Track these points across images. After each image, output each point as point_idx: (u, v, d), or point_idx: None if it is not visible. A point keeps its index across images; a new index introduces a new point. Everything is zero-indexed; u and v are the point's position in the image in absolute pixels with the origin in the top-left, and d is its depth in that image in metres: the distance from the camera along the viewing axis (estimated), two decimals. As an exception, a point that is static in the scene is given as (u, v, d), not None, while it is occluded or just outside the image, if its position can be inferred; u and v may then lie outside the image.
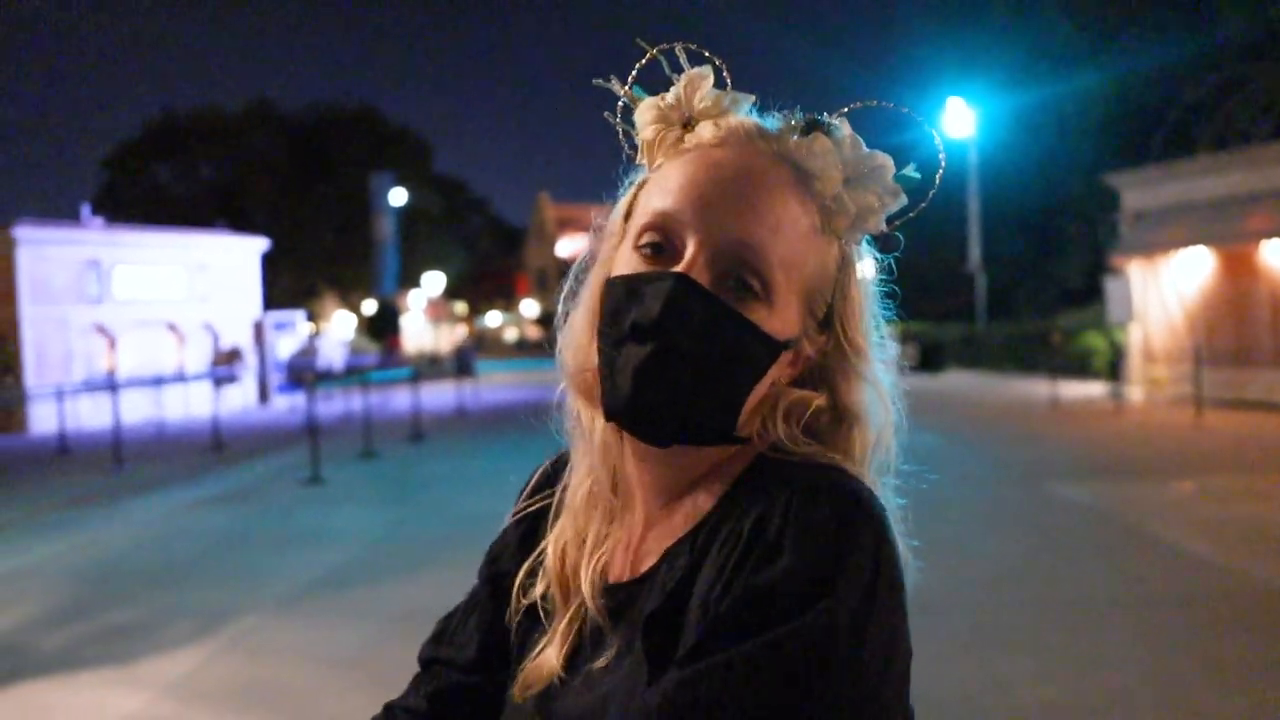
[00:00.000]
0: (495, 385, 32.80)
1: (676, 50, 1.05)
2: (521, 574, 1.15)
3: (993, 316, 32.37)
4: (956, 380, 27.96)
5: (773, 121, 1.03)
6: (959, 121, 31.37)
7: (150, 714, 5.27)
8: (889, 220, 1.03)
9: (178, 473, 15.03)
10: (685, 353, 0.93)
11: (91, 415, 23.28)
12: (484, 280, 73.76)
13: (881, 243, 1.07)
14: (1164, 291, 19.81)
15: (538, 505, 1.19)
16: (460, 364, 31.82)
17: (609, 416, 0.98)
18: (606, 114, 1.09)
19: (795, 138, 1.00)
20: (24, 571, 8.77)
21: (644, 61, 1.06)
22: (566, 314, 1.10)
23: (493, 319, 79.15)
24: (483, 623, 1.21)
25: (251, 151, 54.55)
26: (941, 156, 1.06)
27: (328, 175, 54.80)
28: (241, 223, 40.15)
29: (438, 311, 61.67)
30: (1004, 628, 6.05)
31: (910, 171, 1.04)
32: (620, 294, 0.97)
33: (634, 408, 0.94)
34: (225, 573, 8.49)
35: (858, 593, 0.84)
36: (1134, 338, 20.32)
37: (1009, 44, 30.76)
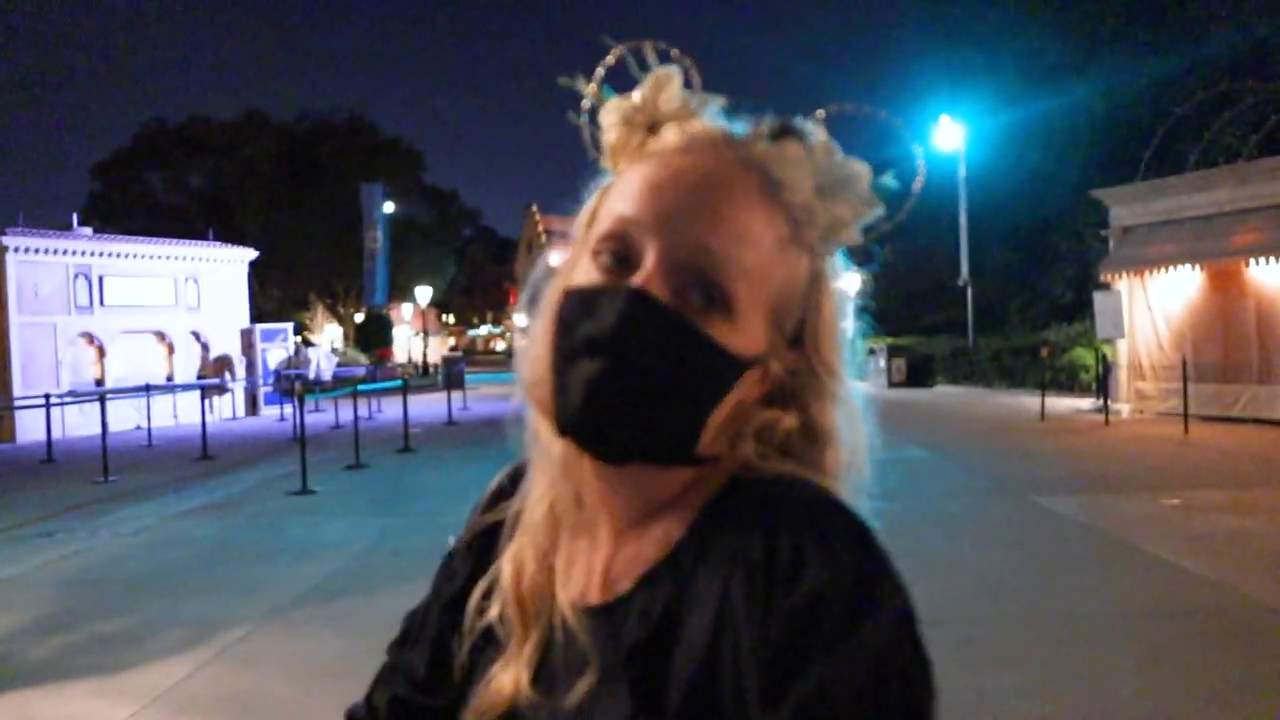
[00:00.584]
0: (485, 397, 32.75)
1: (645, 49, 0.99)
2: (477, 594, 1.09)
3: (981, 330, 32.45)
4: (945, 394, 28.03)
5: (742, 126, 0.97)
6: (949, 136, 31.51)
7: (137, 725, 5.25)
8: (865, 232, 0.98)
9: (166, 482, 14.97)
10: (639, 369, 0.88)
11: (79, 424, 23.18)
12: (474, 291, 73.75)
13: (858, 256, 1.01)
14: (1152, 307, 19.90)
15: (493, 519, 1.14)
16: (450, 375, 31.81)
17: (560, 431, 0.93)
18: (570, 114, 1.03)
19: (764, 143, 0.95)
20: (11, 581, 8.72)
21: (611, 60, 1.00)
22: (527, 324, 1.04)
23: (483, 330, 79.11)
24: (433, 641, 1.14)
25: (242, 161, 54.45)
26: (921, 165, 1.00)
27: (318, 185, 54.69)
28: (231, 232, 40.06)
29: (428, 322, 61.61)
30: (993, 641, 6.06)
31: (888, 180, 0.97)
32: (575, 305, 0.92)
33: (584, 423, 0.90)
34: (213, 583, 8.45)
35: (898, 596, 0.83)
36: (1122, 352, 20.39)
37: (998, 59, 30.93)
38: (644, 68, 0.99)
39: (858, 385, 1.01)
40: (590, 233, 0.98)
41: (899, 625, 0.81)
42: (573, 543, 1.03)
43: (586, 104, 1.02)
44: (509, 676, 1.00)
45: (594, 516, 1.01)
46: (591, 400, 0.88)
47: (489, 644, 1.05)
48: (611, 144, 1.00)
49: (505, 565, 1.05)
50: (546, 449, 1.02)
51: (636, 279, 0.89)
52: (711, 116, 0.98)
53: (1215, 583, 7.27)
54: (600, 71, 1.01)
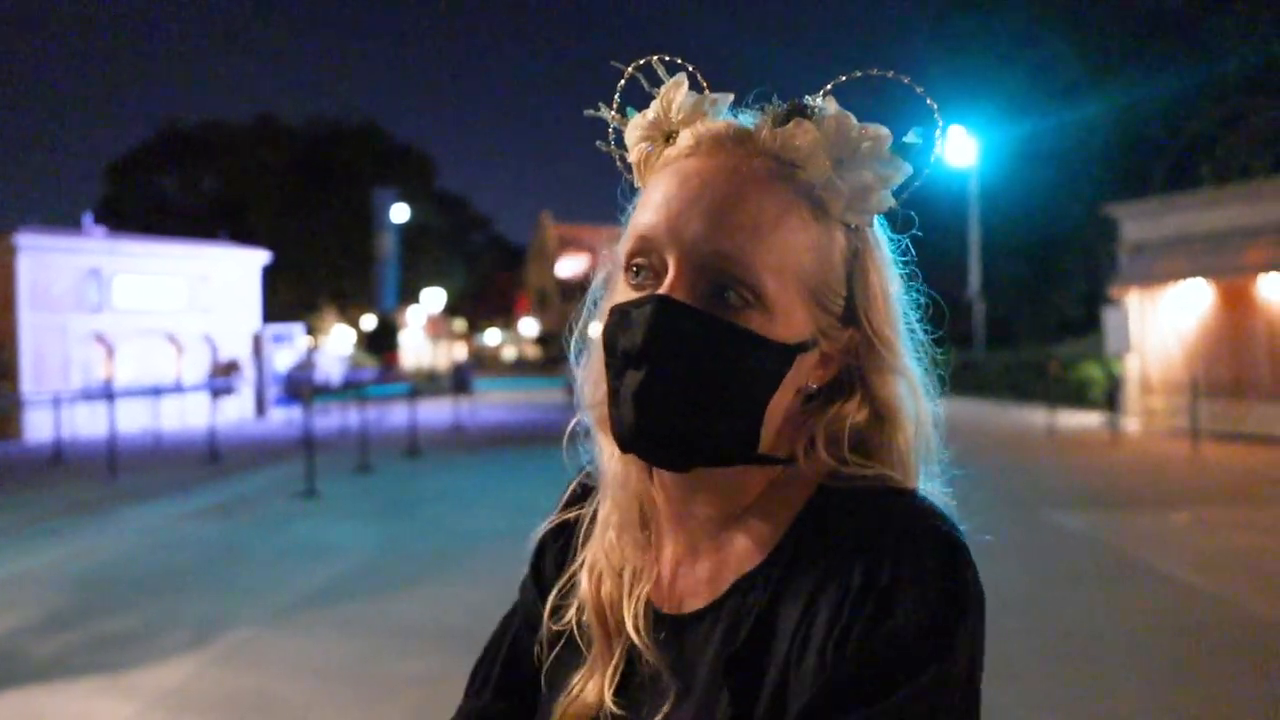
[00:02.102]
0: (493, 403, 32.78)
1: (654, 64, 1.00)
2: (552, 597, 1.10)
3: (991, 344, 32.41)
4: (953, 408, 27.83)
5: (749, 118, 0.98)
6: (960, 150, 31.51)
7: (141, 724, 5.25)
8: (895, 194, 0.96)
9: (173, 483, 14.99)
10: (680, 373, 0.89)
11: (88, 424, 23.24)
12: (484, 298, 73.80)
13: (894, 222, 1.01)
14: (1162, 323, 19.86)
15: (571, 516, 1.15)
16: (458, 381, 31.84)
17: (621, 447, 0.95)
18: (599, 143, 1.05)
19: (770, 129, 0.94)
20: (17, 579, 8.74)
21: (623, 82, 1.01)
22: (582, 345, 1.07)
23: (492, 337, 79.19)
24: (518, 648, 1.15)
25: (255, 165, 54.65)
26: (938, 118, 0.99)
27: (330, 190, 54.90)
28: (243, 236, 40.20)
29: (437, 328, 61.70)
30: (1001, 655, 6.01)
31: (912, 139, 0.97)
32: (613, 323, 0.94)
33: (639, 434, 0.91)
34: (219, 584, 8.46)
35: (970, 645, 0.88)
36: (1131, 368, 20.34)
37: (1010, 73, 30.93)
38: (657, 83, 1.00)
39: (915, 357, 1.02)
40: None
41: (945, 690, 0.86)
42: (641, 557, 1.03)
43: (611, 130, 1.04)
44: (593, 686, 1.01)
45: (669, 527, 1.02)
46: (640, 411, 0.90)
47: (570, 653, 1.06)
48: (636, 161, 1.02)
49: (582, 575, 1.06)
50: (606, 465, 1.05)
51: (662, 288, 0.91)
52: (722, 114, 0.99)
53: (1224, 600, 7.23)
54: (616, 98, 1.02)
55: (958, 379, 31.53)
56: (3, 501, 13.57)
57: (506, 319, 77.63)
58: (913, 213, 1.01)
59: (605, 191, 1.07)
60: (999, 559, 8.80)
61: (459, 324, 73.60)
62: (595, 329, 1.05)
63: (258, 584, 8.36)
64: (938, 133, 0.99)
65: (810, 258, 0.93)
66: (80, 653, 6.48)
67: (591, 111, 1.04)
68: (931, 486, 1.00)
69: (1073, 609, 7.10)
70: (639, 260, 0.94)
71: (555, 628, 1.08)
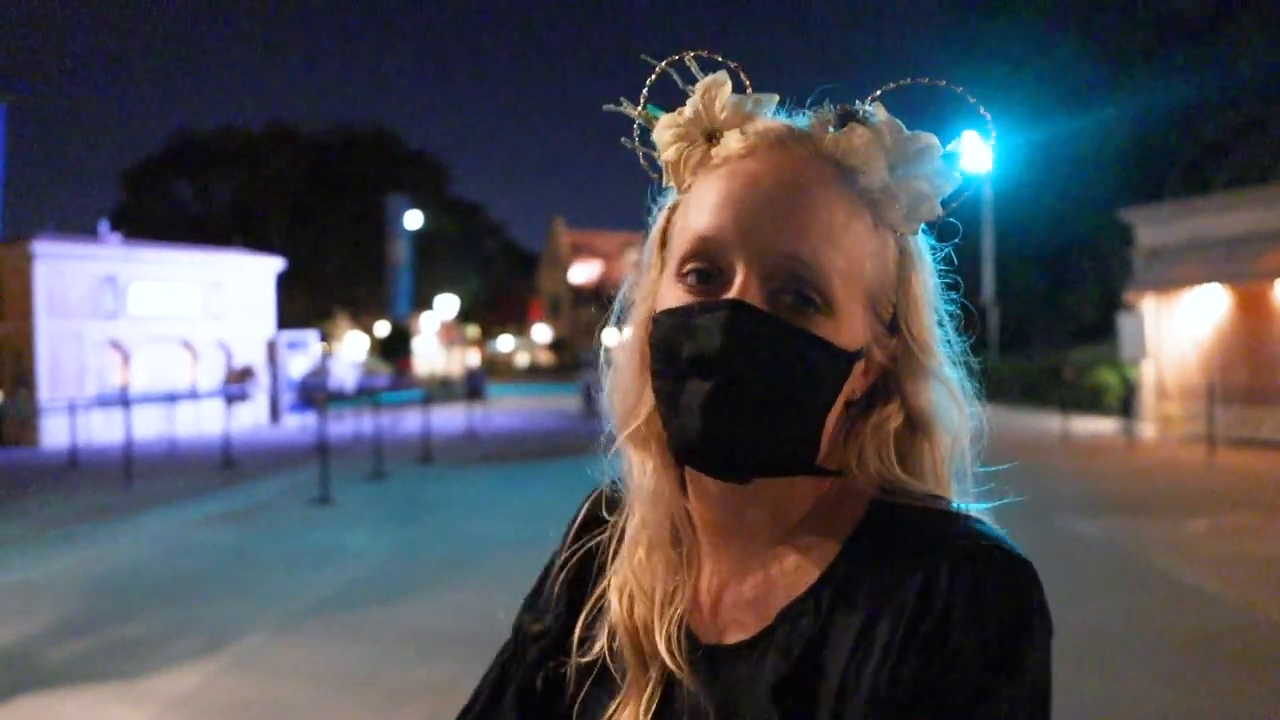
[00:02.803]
0: (506, 410, 32.81)
1: (687, 61, 0.97)
2: (579, 627, 1.04)
3: (1005, 350, 32.29)
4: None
5: (803, 119, 0.95)
6: (974, 154, 31.39)
7: (154, 730, 5.26)
8: (944, 204, 0.95)
9: (188, 489, 15.05)
10: (753, 381, 0.86)
11: (103, 430, 23.35)
12: (497, 304, 73.92)
13: (940, 230, 0.99)
14: (1178, 328, 19.76)
15: (587, 545, 1.09)
16: (471, 387, 31.89)
17: (680, 459, 0.91)
18: (624, 139, 1.01)
19: (830, 132, 0.92)
20: (33, 584, 8.78)
21: (654, 78, 0.98)
22: (609, 354, 1.03)
23: (504, 343, 79.29)
24: (520, 695, 1.08)
25: (269, 172, 54.92)
26: (990, 128, 0.98)
27: (344, 196, 55.10)
28: (257, 242, 40.37)
29: (450, 334, 61.81)
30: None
31: (958, 149, 0.95)
32: (672, 328, 0.89)
33: (706, 445, 0.87)
34: (233, 590, 8.48)
35: (1039, 671, 0.82)
36: (1147, 374, 20.24)
37: (1025, 77, 30.85)
38: (689, 80, 0.97)
39: (952, 364, 0.99)
40: (666, 254, 0.96)
41: (1025, 703, 0.80)
42: (673, 576, 0.98)
43: (636, 127, 1.00)
44: (628, 715, 0.96)
45: (711, 546, 0.98)
46: (711, 421, 0.86)
47: (600, 686, 1.01)
48: (671, 161, 0.98)
49: (613, 599, 1.01)
50: (637, 480, 0.99)
51: (732, 292, 0.87)
52: (770, 115, 0.96)
53: (1241, 607, 7.18)
54: (645, 93, 0.99)
55: (972, 384, 31.41)
56: (19, 507, 13.64)
57: (519, 325, 77.75)
58: (955, 221, 0.99)
59: (618, 198, 1.05)
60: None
61: (472, 330, 73.74)
62: (614, 337, 1.02)
63: (271, 590, 8.37)
64: (990, 142, 0.98)
65: (871, 264, 0.91)
66: (94, 658, 6.50)
67: (612, 107, 1.01)
68: (964, 500, 0.97)
69: (1091, 615, 7.05)
70: (699, 264, 0.90)
71: (584, 660, 1.02)
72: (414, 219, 51.57)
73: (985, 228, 31.25)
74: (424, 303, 57.88)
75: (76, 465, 18.78)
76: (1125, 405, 20.43)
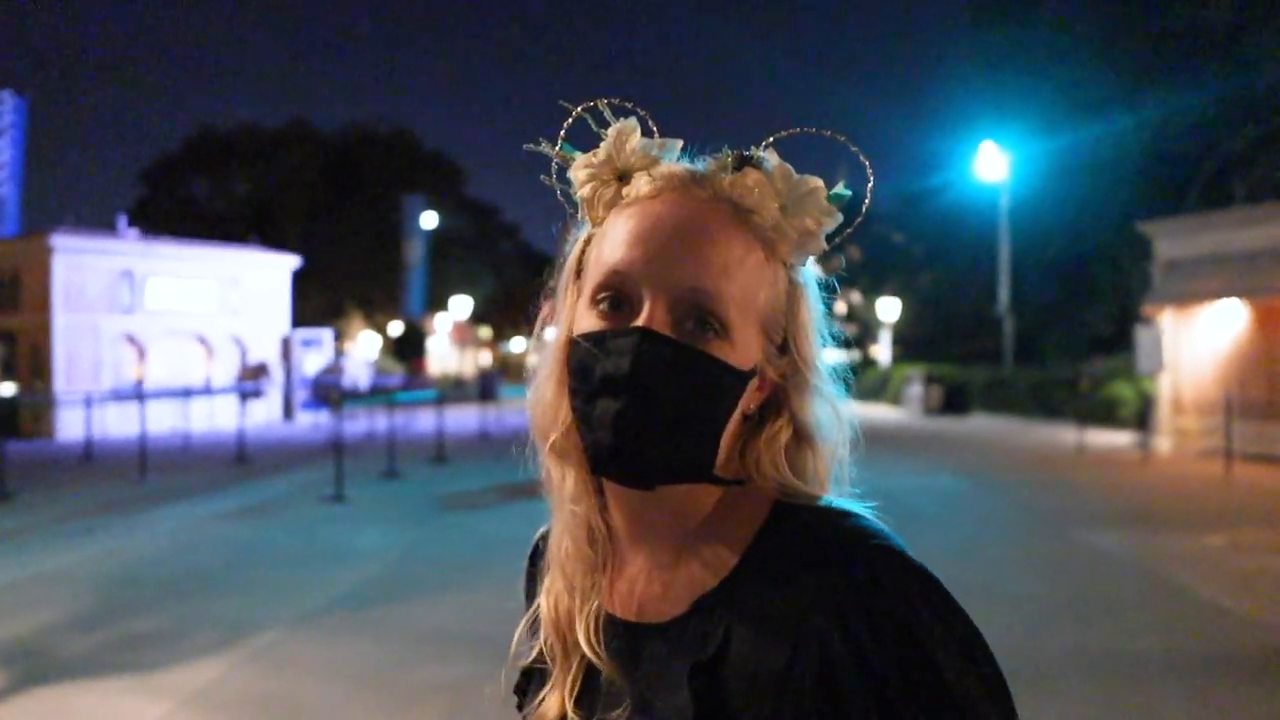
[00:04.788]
0: (519, 410, 32.81)
1: (600, 106, 1.08)
2: (518, 635, 1.17)
3: (1020, 361, 32.18)
4: (981, 423, 27.79)
5: (703, 163, 1.05)
6: (992, 165, 31.34)
7: (171, 724, 5.26)
8: (829, 238, 1.06)
9: (201, 485, 15.09)
10: (659, 399, 0.95)
11: (118, 424, 23.45)
12: (511, 306, 74.05)
13: (824, 262, 1.10)
14: (1195, 342, 19.65)
15: (532, 573, 1.22)
16: (484, 388, 31.93)
17: (594, 469, 1.00)
18: (543, 176, 1.11)
19: (727, 176, 1.02)
20: (49, 576, 8.81)
21: (570, 121, 1.08)
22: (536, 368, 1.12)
23: (517, 345, 79.40)
24: None
25: (286, 170, 55.07)
26: (869, 172, 1.09)
27: (360, 196, 55.24)
28: (273, 240, 40.51)
29: (463, 335, 61.82)
30: (1033, 674, 5.96)
31: (841, 189, 1.05)
32: (587, 352, 0.99)
33: (616, 458, 0.96)
34: (248, 585, 8.50)
35: (987, 662, 0.93)
36: (1164, 388, 20.14)
37: (1045, 88, 30.75)
38: (602, 124, 1.07)
39: (834, 383, 1.09)
40: (581, 282, 1.06)
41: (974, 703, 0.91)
42: (592, 575, 1.09)
43: (554, 165, 1.11)
44: (554, 699, 1.07)
45: (629, 543, 1.07)
46: (620, 435, 0.95)
47: (538, 680, 1.13)
48: (586, 198, 1.08)
49: (543, 601, 1.12)
50: (557, 488, 1.10)
51: (640, 320, 0.97)
52: (673, 159, 1.06)
53: (1259, 623, 7.13)
54: (562, 134, 1.09)
55: (986, 396, 31.45)
56: (35, 499, 13.69)
57: (533, 327, 77.81)
58: (839, 254, 1.11)
59: (572, 236, 1.13)
60: (1032, 575, 8.72)
61: (484, 331, 73.83)
62: (535, 360, 1.12)
63: (286, 586, 8.38)
64: (868, 185, 1.08)
65: (764, 293, 1.02)
66: (110, 652, 6.51)
67: (531, 147, 1.11)
68: (840, 498, 1.07)
69: (1106, 628, 7.01)
70: (610, 294, 1.00)
71: (524, 665, 1.15)
72: (430, 219, 51.64)
73: (1002, 237, 31.16)
74: (438, 303, 57.93)
75: (91, 458, 18.86)
76: (1141, 419, 20.32)
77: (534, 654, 1.13)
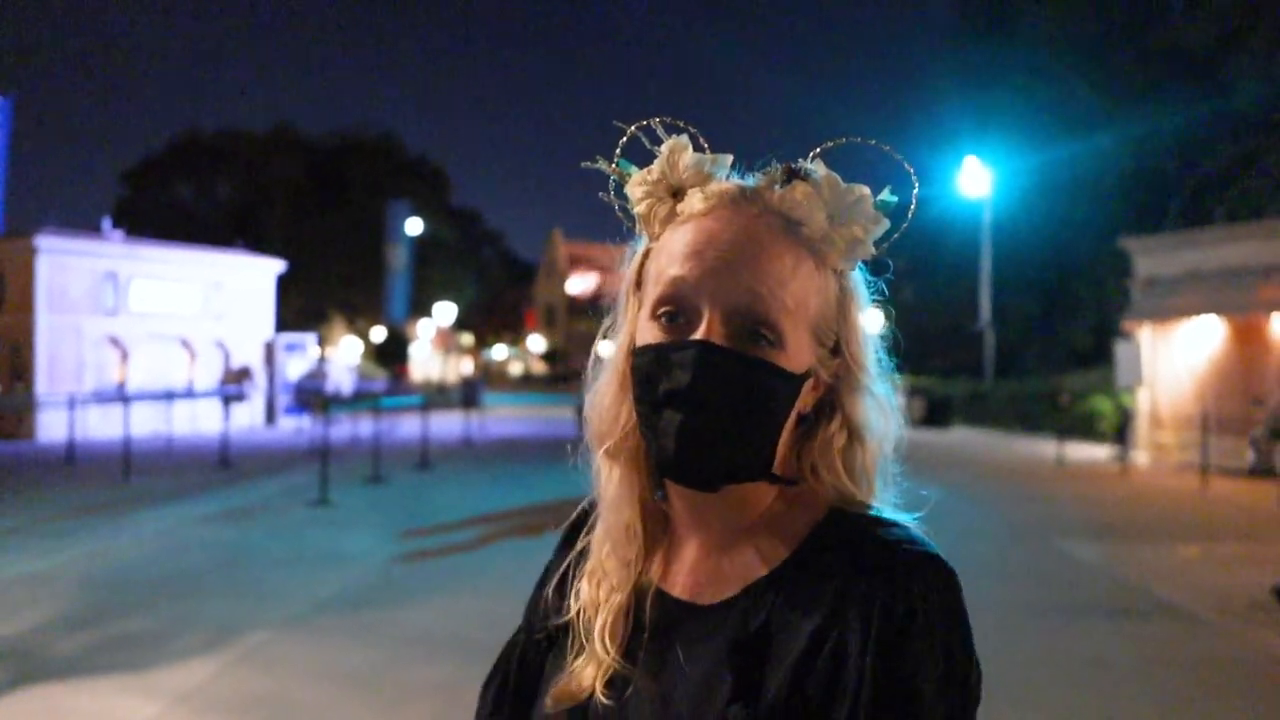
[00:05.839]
0: (501, 418, 32.84)
1: (654, 124, 1.14)
2: (549, 597, 1.23)
3: (1000, 374, 32.39)
4: (962, 436, 27.97)
5: (753, 179, 1.11)
6: (975, 180, 31.59)
7: (164, 722, 5.31)
8: (877, 244, 1.11)
9: (185, 487, 15.08)
10: (718, 408, 1.02)
11: (99, 425, 23.35)
12: (493, 313, 73.94)
13: (873, 267, 1.15)
14: (1174, 358, 19.88)
15: (571, 555, 1.25)
16: (467, 395, 31.92)
17: (661, 473, 1.08)
18: (602, 194, 1.17)
19: (776, 189, 1.08)
20: (35, 577, 8.82)
21: (624, 140, 1.14)
22: (594, 377, 1.18)
23: (499, 352, 79.28)
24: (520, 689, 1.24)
25: (270, 174, 54.98)
26: (914, 179, 1.13)
27: (344, 201, 55.20)
28: (257, 243, 40.39)
29: (446, 341, 61.82)
30: (1010, 682, 6.08)
31: (887, 196, 1.10)
32: (649, 363, 1.05)
33: (681, 464, 1.03)
34: (235, 587, 8.53)
35: (975, 674, 1.02)
36: (1142, 402, 20.36)
37: (1027, 105, 31.05)
38: (655, 141, 1.13)
39: (883, 382, 1.16)
40: (641, 294, 1.13)
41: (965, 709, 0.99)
42: (626, 570, 1.15)
43: (611, 183, 1.17)
44: (589, 673, 1.12)
45: (686, 533, 1.14)
46: (684, 445, 1.02)
47: (563, 640, 1.18)
48: (643, 214, 1.14)
49: (585, 583, 1.18)
50: (605, 488, 1.16)
51: (699, 333, 1.03)
52: (722, 175, 1.12)
53: (1232, 634, 7.27)
54: (618, 152, 1.16)
55: (967, 409, 31.65)
56: (17, 501, 13.66)
57: (514, 334, 77.78)
58: (888, 259, 1.15)
59: (629, 248, 1.18)
60: (1008, 585, 8.84)
61: (466, 338, 73.73)
62: (606, 349, 1.18)
63: (274, 588, 8.43)
64: (914, 191, 1.13)
65: (815, 301, 1.08)
66: (100, 652, 6.54)
67: (589, 164, 1.16)
68: (888, 500, 1.14)
69: (1085, 637, 7.14)
70: (670, 307, 1.06)
71: (557, 622, 1.20)
72: (414, 225, 51.62)
73: (983, 252, 31.40)
74: (421, 309, 57.90)
75: (74, 460, 18.78)
76: (1120, 433, 20.53)
77: (564, 618, 1.19)
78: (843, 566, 1.02)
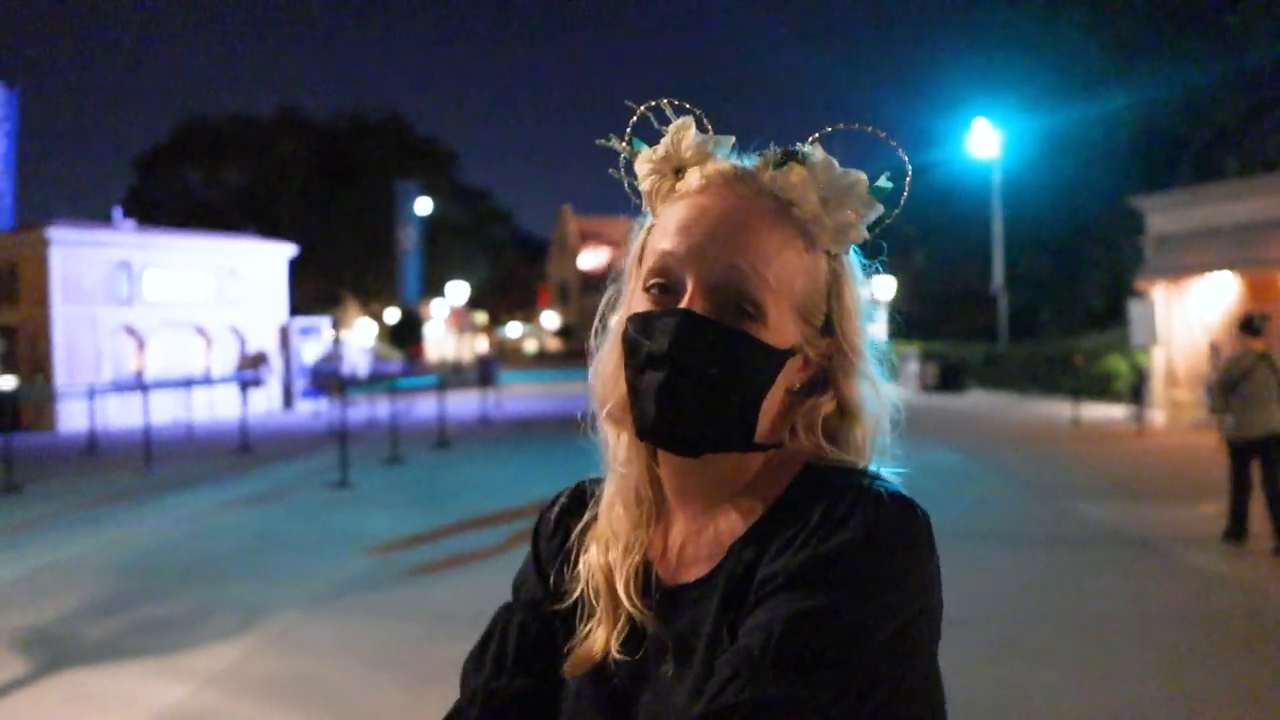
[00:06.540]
0: (517, 395, 32.96)
1: (663, 105, 1.18)
2: (554, 579, 1.25)
3: (1015, 337, 32.32)
4: (978, 400, 27.96)
5: (750, 160, 1.14)
6: (983, 141, 31.40)
7: (194, 704, 5.43)
8: (870, 228, 1.14)
9: (207, 473, 15.24)
10: (696, 373, 1.06)
11: (119, 415, 23.54)
12: (506, 291, 73.98)
13: (867, 250, 1.18)
14: (1188, 315, 19.80)
15: (566, 524, 1.29)
16: (483, 374, 32.04)
17: (641, 436, 1.10)
18: (611, 170, 1.21)
19: (770, 172, 1.12)
20: (63, 565, 8.97)
21: (635, 119, 1.18)
22: (598, 346, 1.22)
23: (513, 330, 79.40)
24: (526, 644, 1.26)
25: (279, 158, 54.98)
26: (907, 165, 1.16)
27: (354, 183, 55.16)
28: (267, 228, 40.49)
29: (460, 321, 61.89)
30: (1025, 641, 6.14)
31: (883, 182, 1.13)
32: (636, 330, 1.09)
33: (659, 426, 1.07)
34: (261, 570, 8.65)
35: (921, 590, 1.00)
36: (1157, 361, 20.30)
37: (1036, 65, 30.79)
38: (664, 121, 1.18)
39: (889, 384, 1.20)
40: (641, 268, 1.17)
41: (905, 606, 0.98)
42: (638, 530, 1.19)
43: (622, 160, 1.22)
44: (601, 635, 1.17)
45: (675, 505, 1.19)
46: (662, 406, 1.06)
47: (582, 615, 1.22)
48: (647, 191, 1.19)
49: (592, 546, 1.22)
50: (614, 451, 1.20)
51: (683, 303, 1.08)
52: (724, 155, 1.16)
53: (1247, 587, 7.32)
54: (628, 131, 1.20)
55: (982, 372, 31.60)
56: (42, 490, 13.83)
57: (528, 312, 77.86)
58: (883, 243, 1.18)
59: (637, 224, 1.22)
60: (1024, 546, 8.90)
61: (480, 317, 73.84)
62: (612, 327, 1.22)
63: (298, 571, 8.54)
64: (907, 178, 1.16)
65: (801, 281, 1.11)
66: (129, 636, 6.67)
67: (602, 142, 1.21)
68: (885, 470, 1.15)
69: (1099, 595, 7.19)
70: (659, 279, 1.11)
71: (566, 604, 1.22)
72: (424, 205, 51.60)
73: (995, 214, 31.26)
74: (433, 289, 57.97)
75: (95, 450, 18.98)
76: (1135, 392, 20.48)
77: (571, 599, 1.22)
78: (810, 511, 1.04)
